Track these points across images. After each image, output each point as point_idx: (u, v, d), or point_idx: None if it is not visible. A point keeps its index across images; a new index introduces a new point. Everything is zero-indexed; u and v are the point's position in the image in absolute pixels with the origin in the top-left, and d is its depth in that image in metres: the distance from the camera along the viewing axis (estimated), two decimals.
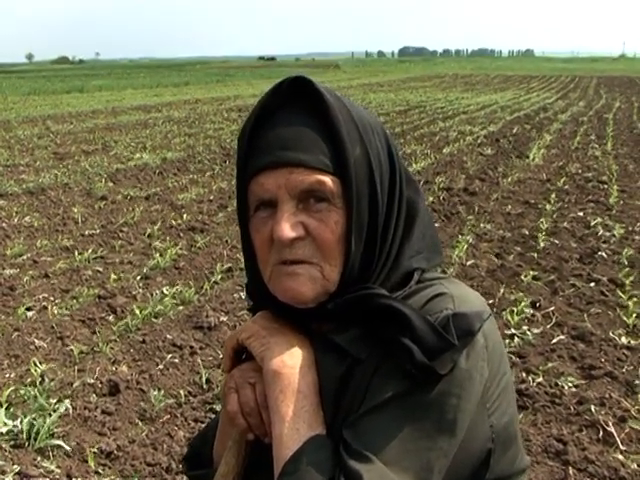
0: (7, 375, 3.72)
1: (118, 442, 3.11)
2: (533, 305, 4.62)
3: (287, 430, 0.95)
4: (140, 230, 6.75)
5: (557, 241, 6.17)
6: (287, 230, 0.96)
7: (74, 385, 3.57)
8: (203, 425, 3.23)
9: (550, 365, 3.75)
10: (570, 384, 3.55)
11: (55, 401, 3.34)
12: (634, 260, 5.59)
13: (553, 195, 8.14)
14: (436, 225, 6.56)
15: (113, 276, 5.22)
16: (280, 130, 0.99)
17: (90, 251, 5.91)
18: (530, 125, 15.69)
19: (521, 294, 4.80)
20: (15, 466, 2.86)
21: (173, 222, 7.00)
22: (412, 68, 75.15)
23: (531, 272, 5.27)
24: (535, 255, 5.74)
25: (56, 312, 4.56)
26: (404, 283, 1.04)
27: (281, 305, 1.03)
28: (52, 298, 4.85)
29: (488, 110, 19.84)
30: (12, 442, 3.06)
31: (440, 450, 0.92)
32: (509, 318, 4.33)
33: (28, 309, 4.62)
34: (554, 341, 4.07)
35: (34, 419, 3.12)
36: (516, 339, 4.08)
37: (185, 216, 7.24)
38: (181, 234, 6.61)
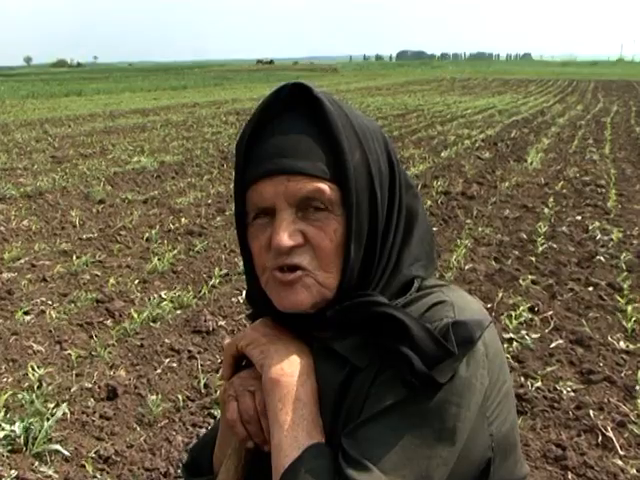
0: (4, 379, 3.71)
1: (116, 447, 3.10)
2: (531, 309, 4.61)
3: (286, 438, 0.95)
4: (138, 234, 6.74)
5: (555, 245, 6.18)
6: (285, 238, 0.96)
7: (72, 389, 3.56)
8: (201, 430, 3.22)
9: (549, 370, 3.75)
10: (569, 389, 3.55)
11: (53, 405, 3.33)
12: (632, 264, 5.59)
13: (551, 199, 8.15)
14: (434, 229, 6.57)
15: (111, 280, 5.21)
16: (278, 137, 0.99)
17: (88, 255, 5.90)
18: (528, 129, 15.71)
19: (519, 298, 4.79)
20: (12, 471, 2.85)
21: (171, 226, 7.00)
22: (410, 72, 75.23)
23: (529, 276, 5.27)
24: (533, 259, 5.74)
25: (54, 316, 4.55)
26: (404, 291, 1.04)
27: (281, 312, 1.02)
28: (50, 302, 4.84)
29: (486, 114, 19.86)
30: (9, 447, 3.04)
31: (439, 459, 0.92)
32: (507, 322, 4.32)
33: (26, 313, 4.61)
34: (553, 345, 4.07)
35: (31, 424, 3.11)
36: (514, 344, 4.08)
37: (183, 220, 7.23)
38: (179, 238, 6.60)
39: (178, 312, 4.67)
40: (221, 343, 4.17)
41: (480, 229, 6.76)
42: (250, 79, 50.96)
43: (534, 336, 4.18)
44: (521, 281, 5.16)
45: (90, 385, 3.62)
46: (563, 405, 3.39)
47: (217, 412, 3.33)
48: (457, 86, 39.22)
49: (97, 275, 5.45)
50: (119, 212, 7.68)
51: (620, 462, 2.92)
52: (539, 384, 3.58)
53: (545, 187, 9.01)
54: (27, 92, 32.79)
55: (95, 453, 3.04)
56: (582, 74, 59.90)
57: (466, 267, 5.52)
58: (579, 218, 7.23)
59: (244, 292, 4.58)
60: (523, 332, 4.23)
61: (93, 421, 3.30)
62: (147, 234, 6.64)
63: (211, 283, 5.19)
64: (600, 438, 3.09)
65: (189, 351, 4.07)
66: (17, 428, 3.08)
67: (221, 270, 5.49)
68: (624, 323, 4.35)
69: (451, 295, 1.02)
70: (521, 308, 4.53)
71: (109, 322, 4.51)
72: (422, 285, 1.05)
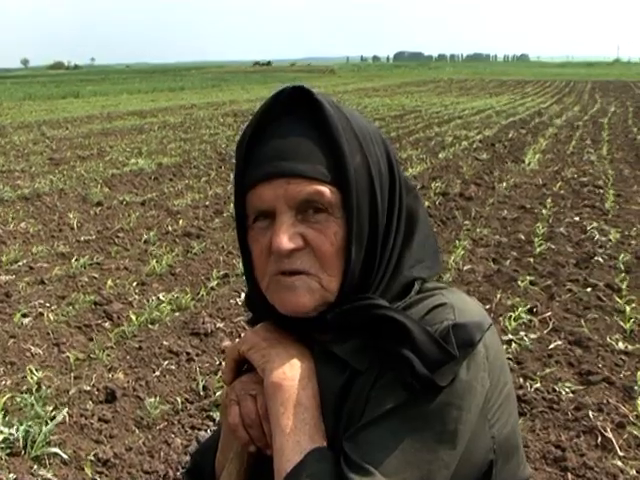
0: (3, 382, 3.70)
1: (115, 450, 3.09)
2: (530, 310, 4.61)
3: (288, 442, 0.95)
4: (136, 236, 6.74)
5: (553, 246, 6.18)
6: (285, 241, 0.96)
7: (70, 392, 3.56)
8: (200, 432, 3.22)
9: (547, 371, 3.75)
10: (568, 390, 3.55)
11: (51, 408, 3.32)
12: (630, 265, 5.60)
13: (549, 200, 8.15)
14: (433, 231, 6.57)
15: (109, 282, 5.20)
16: (278, 140, 0.99)
17: (86, 257, 5.89)
18: (525, 130, 15.73)
19: (518, 299, 4.79)
20: (11, 474, 2.84)
21: (169, 228, 6.99)
22: (407, 73, 75.33)
23: (528, 277, 5.27)
24: (531, 260, 5.74)
25: (52, 319, 4.54)
26: (404, 293, 1.03)
27: (281, 315, 1.02)
28: (48, 305, 4.83)
29: (483, 115, 19.89)
30: (8, 450, 3.03)
31: (441, 462, 0.92)
32: (506, 324, 4.32)
33: (24, 316, 4.60)
34: (551, 346, 4.07)
35: (30, 427, 3.10)
36: (513, 345, 4.08)
37: (181, 222, 7.22)
38: (177, 240, 6.60)
39: (176, 314, 4.66)
40: (219, 345, 4.17)
41: (478, 230, 6.76)
42: (247, 80, 51.01)
43: (533, 337, 4.19)
44: (519, 282, 5.16)
45: (89, 388, 3.61)
46: (562, 406, 3.39)
47: (216, 414, 3.32)
48: (454, 87, 39.28)
49: (95, 277, 5.45)
50: (117, 214, 7.67)
51: (619, 463, 2.92)
52: (538, 385, 3.58)
53: (543, 188, 9.02)
54: (24, 94, 32.76)
55: (94, 456, 3.04)
56: (579, 75, 60.02)
57: (464, 268, 5.52)
58: (577, 219, 7.23)
59: (243, 296, 4.58)
60: (522, 333, 4.23)
61: (92, 424, 3.29)
62: (145, 236, 6.63)
63: (209, 285, 5.19)
64: (599, 439, 3.09)
65: (187, 353, 4.06)
66: (16, 431, 3.08)
67: (219, 272, 5.48)
68: (623, 324, 4.35)
69: (451, 297, 1.02)
70: (520, 309, 4.53)
71: (107, 324, 4.50)
72: (422, 287, 1.05)
